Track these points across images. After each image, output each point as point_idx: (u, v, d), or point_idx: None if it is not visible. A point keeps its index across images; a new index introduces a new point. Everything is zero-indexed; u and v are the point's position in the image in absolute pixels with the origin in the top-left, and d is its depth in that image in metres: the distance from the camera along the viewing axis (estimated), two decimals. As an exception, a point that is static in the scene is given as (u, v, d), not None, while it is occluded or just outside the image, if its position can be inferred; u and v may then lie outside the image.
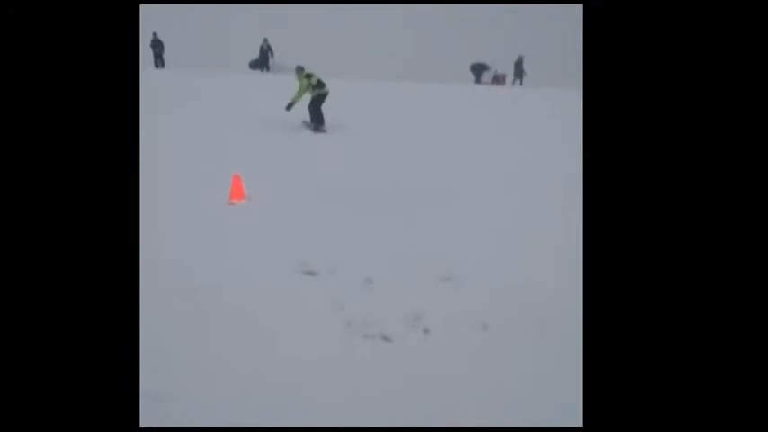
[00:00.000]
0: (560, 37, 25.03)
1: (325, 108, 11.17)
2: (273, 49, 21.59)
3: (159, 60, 20.04)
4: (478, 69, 22.93)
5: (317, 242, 5.52)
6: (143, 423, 2.66)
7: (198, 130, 10.34)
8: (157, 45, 19.98)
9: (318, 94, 11.11)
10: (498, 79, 22.92)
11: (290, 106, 10.95)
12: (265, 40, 21.39)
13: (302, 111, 11.24)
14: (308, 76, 11.06)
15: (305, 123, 11.25)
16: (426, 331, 3.96)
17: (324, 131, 11.06)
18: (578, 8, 3.53)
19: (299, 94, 11.04)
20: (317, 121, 11.16)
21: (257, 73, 20.81)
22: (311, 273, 4.83)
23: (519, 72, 22.52)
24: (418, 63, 25.15)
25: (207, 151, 9.01)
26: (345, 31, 30.81)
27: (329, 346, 3.71)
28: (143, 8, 3.59)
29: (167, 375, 3.24)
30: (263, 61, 21.41)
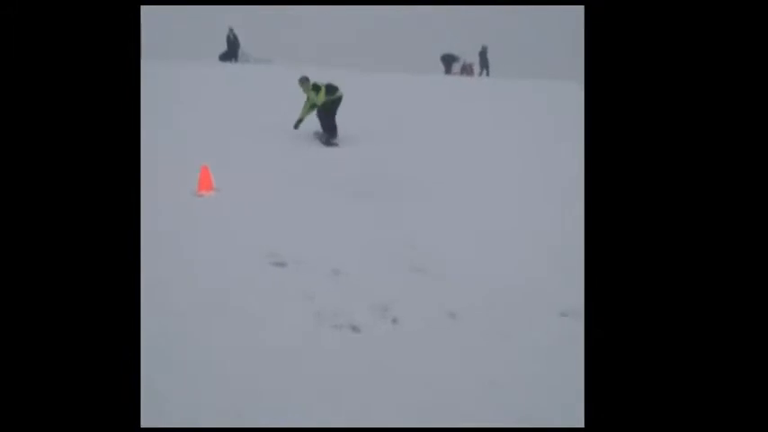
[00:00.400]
0: (525, 29, 25.27)
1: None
2: (240, 38, 21.25)
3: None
4: (448, 60, 23.03)
5: (287, 233, 5.52)
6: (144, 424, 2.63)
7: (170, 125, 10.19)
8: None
9: (330, 100, 9.64)
10: (467, 69, 23.06)
11: (298, 123, 9.74)
12: (231, 29, 20.79)
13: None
14: (316, 87, 9.60)
15: (316, 135, 9.86)
16: (395, 321, 3.99)
17: (336, 144, 9.63)
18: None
19: (307, 109, 9.75)
20: (329, 132, 9.71)
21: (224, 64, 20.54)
22: (280, 264, 4.83)
23: (484, 62, 22.71)
24: (387, 53, 25.14)
25: (180, 144, 8.88)
26: (310, 19, 30.60)
27: (298, 337, 3.72)
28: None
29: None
30: (232, 52, 21.01)
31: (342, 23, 31.42)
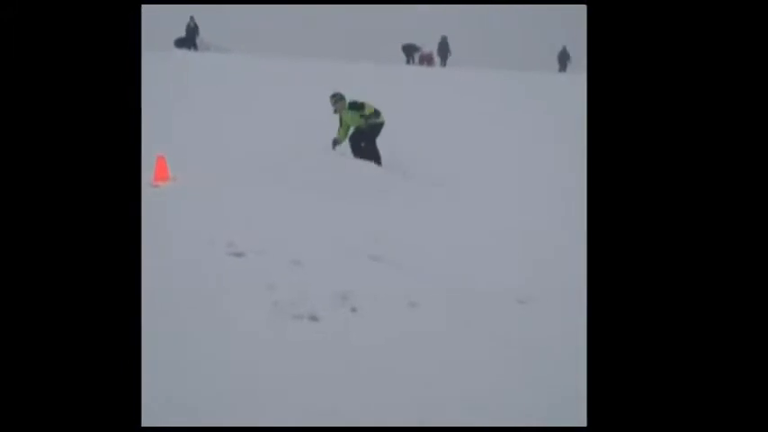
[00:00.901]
0: (484, 19, 25.50)
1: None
2: (200, 27, 21.07)
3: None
4: (409, 50, 23.08)
5: (247, 225, 5.45)
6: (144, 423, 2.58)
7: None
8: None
9: (370, 125, 8.01)
10: (427, 59, 23.16)
11: (335, 144, 8.20)
12: (192, 18, 20.97)
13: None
14: (357, 106, 7.98)
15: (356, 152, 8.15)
16: (354, 310, 3.99)
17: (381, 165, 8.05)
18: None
19: (345, 132, 8.17)
20: (373, 159, 8.03)
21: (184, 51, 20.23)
22: (239, 254, 4.77)
23: (443, 52, 22.87)
24: (348, 41, 25.04)
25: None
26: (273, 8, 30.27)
27: (257, 327, 3.69)
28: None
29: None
30: (189, 39, 20.86)
31: (305, 12, 31.14)
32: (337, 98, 8.08)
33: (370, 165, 7.91)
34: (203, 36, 21.13)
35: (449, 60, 22.94)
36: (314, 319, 3.83)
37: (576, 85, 15.42)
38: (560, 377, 3.31)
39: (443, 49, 22.91)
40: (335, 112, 8.11)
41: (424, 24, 27.22)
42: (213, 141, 8.70)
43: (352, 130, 8.08)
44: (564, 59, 23.36)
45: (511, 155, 8.87)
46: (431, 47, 23.29)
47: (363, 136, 8.06)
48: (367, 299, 4.13)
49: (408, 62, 22.79)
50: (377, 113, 8.00)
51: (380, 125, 8.03)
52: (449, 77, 16.61)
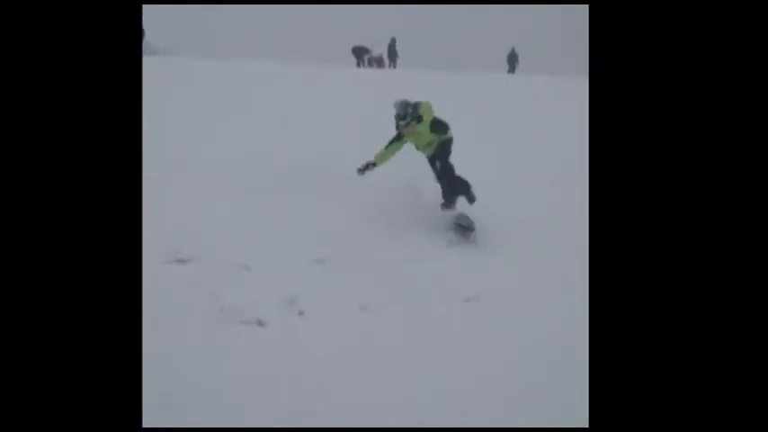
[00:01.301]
0: (433, 21, 25.73)
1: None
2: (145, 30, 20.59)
3: None
4: (359, 52, 23.07)
5: (190, 229, 5.32)
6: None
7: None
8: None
9: (442, 142, 5.81)
10: (377, 61, 23.20)
11: (367, 168, 5.91)
12: None
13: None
14: (440, 124, 5.80)
15: (457, 227, 5.60)
16: (301, 313, 3.95)
17: (473, 230, 5.60)
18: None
19: (393, 150, 5.89)
20: (462, 193, 5.88)
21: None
22: (183, 261, 4.66)
23: (392, 54, 22.95)
24: (293, 44, 24.88)
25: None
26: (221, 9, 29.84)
27: (204, 334, 3.62)
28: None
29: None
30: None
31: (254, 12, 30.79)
32: (404, 105, 5.75)
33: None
34: (149, 38, 20.65)
35: (398, 62, 23.03)
36: (261, 324, 3.78)
37: (525, 86, 15.75)
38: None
39: (392, 51, 22.99)
40: (404, 126, 5.74)
41: (373, 26, 27.25)
42: (164, 145, 8.43)
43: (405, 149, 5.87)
44: (513, 61, 23.70)
45: (460, 155, 8.91)
46: (380, 49, 23.32)
47: (442, 160, 5.81)
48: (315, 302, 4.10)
49: (359, 65, 22.77)
50: (445, 127, 5.89)
51: (450, 141, 5.88)
52: (401, 79, 16.63)
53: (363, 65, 22.87)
